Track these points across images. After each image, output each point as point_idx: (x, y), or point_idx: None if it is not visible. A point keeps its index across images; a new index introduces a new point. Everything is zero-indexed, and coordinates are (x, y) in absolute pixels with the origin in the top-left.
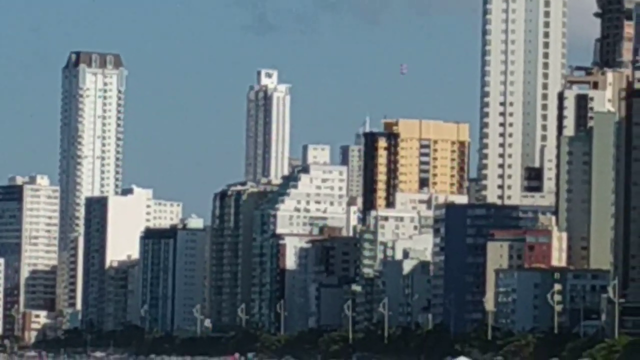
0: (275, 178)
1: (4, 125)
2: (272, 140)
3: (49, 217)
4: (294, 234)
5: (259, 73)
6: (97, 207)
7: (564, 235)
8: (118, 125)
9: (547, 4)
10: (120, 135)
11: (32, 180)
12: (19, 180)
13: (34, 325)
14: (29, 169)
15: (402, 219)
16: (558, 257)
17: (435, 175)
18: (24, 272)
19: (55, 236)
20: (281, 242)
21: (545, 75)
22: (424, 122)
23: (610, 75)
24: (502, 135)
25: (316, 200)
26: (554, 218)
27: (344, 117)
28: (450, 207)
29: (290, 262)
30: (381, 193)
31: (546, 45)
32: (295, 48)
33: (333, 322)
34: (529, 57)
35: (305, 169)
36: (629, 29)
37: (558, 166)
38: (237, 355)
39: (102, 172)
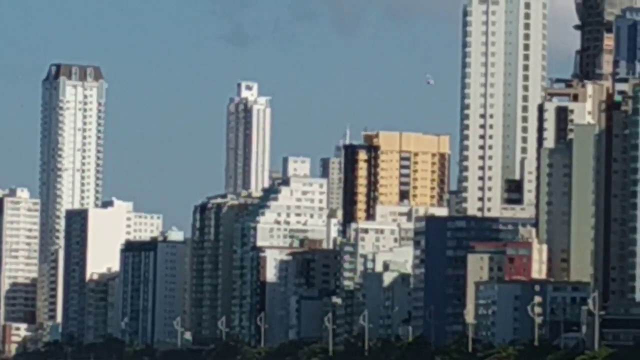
0: (256, 190)
1: None
2: (252, 153)
3: (29, 229)
4: (274, 246)
5: (239, 85)
6: (78, 220)
7: (544, 247)
8: (98, 137)
9: (527, 15)
10: (101, 147)
11: (12, 193)
12: None
13: (14, 338)
14: (9, 182)
15: (382, 231)
16: (538, 269)
17: (415, 187)
18: (4, 285)
19: (35, 249)
20: (261, 254)
21: (525, 88)
22: (404, 134)
23: (590, 87)
24: (482, 147)
25: (296, 212)
26: (534, 230)
27: (324, 130)
28: (430, 219)
29: (271, 274)
30: (361, 205)
31: (526, 57)
32: (274, 60)
33: (313, 334)
34: (509, 69)
35: (286, 182)
36: (608, 41)
37: (538, 178)
38: None
39: (83, 184)
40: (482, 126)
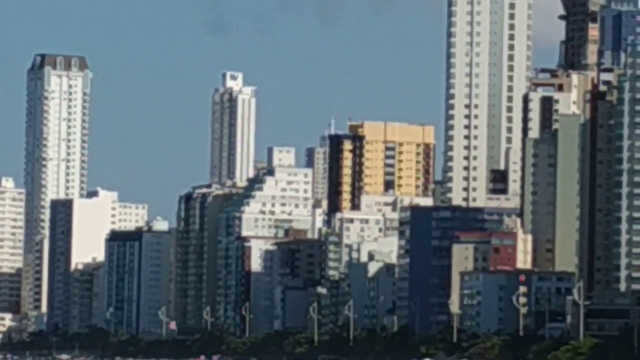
0: (241, 180)
1: None
2: (237, 143)
3: (14, 219)
4: (259, 236)
5: (224, 75)
6: (63, 210)
7: (529, 237)
8: (83, 127)
9: (512, 6)
10: (85, 137)
11: None
12: None
13: None
14: None
15: (367, 221)
16: (523, 260)
17: (400, 177)
18: None
19: (20, 239)
20: (246, 244)
21: (510, 78)
22: (389, 124)
23: (575, 77)
24: (467, 137)
25: (281, 202)
26: (519, 220)
27: (309, 120)
28: (415, 209)
29: (256, 264)
30: (346, 195)
31: (511, 47)
32: (258, 50)
33: (298, 324)
34: (494, 59)
35: (271, 172)
36: (593, 31)
37: (523, 168)
38: (202, 357)
39: (67, 174)
40: (467, 116)
